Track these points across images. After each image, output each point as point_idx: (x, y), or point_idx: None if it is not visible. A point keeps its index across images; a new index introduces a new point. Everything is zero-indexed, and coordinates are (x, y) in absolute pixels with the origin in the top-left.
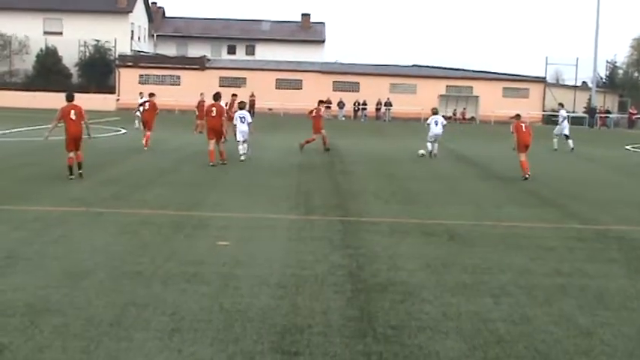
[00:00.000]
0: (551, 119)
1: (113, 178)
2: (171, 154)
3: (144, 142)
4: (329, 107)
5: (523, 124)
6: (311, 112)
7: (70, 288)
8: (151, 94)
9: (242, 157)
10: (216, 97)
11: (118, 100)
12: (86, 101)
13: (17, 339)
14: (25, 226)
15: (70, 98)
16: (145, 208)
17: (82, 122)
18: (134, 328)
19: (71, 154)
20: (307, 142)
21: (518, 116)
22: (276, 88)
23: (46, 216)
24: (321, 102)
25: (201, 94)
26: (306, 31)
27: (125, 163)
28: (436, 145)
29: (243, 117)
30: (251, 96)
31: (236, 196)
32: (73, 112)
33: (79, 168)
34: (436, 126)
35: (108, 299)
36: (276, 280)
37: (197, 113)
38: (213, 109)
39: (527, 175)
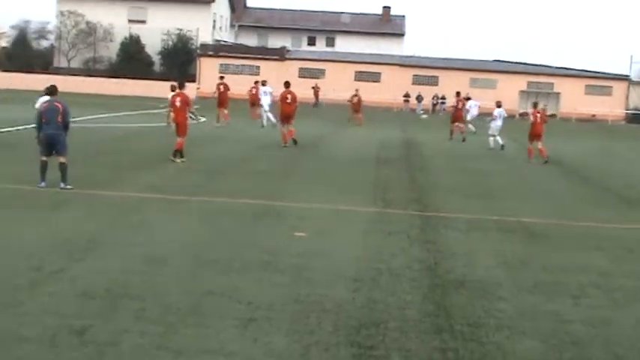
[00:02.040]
0: (635, 118)
1: (193, 166)
2: (250, 142)
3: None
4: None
5: (538, 114)
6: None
7: (149, 274)
8: (222, 77)
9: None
10: (287, 84)
11: (198, 88)
12: (167, 89)
13: (97, 322)
14: (106, 212)
15: (179, 87)
16: (224, 197)
17: (187, 109)
18: (211, 316)
19: (179, 139)
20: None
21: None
22: (355, 80)
23: (127, 202)
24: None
25: (256, 82)
26: (386, 24)
27: (205, 151)
28: (498, 138)
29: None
30: (315, 87)
31: (314, 187)
32: (178, 99)
33: (181, 154)
34: (499, 119)
35: (186, 286)
36: (352, 272)
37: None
38: (289, 95)
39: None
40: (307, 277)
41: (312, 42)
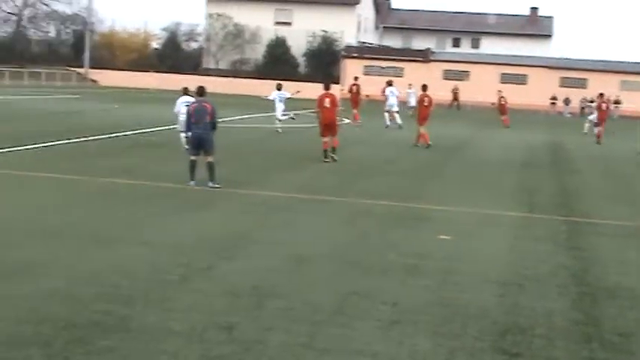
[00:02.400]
0: None
1: (336, 167)
2: (392, 144)
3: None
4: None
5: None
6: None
7: (294, 273)
8: (355, 78)
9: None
10: (425, 87)
11: (342, 90)
12: (311, 90)
13: (244, 319)
14: (253, 211)
15: (326, 88)
16: (367, 198)
17: (336, 109)
18: (355, 317)
19: (326, 139)
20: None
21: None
22: (501, 82)
23: (274, 201)
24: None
25: (356, 77)
26: (533, 25)
27: (348, 152)
28: None
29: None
30: (454, 89)
31: (457, 190)
32: (327, 100)
33: (333, 152)
34: None
35: (330, 286)
36: (497, 277)
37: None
38: (425, 99)
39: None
40: (452, 280)
41: (456, 43)
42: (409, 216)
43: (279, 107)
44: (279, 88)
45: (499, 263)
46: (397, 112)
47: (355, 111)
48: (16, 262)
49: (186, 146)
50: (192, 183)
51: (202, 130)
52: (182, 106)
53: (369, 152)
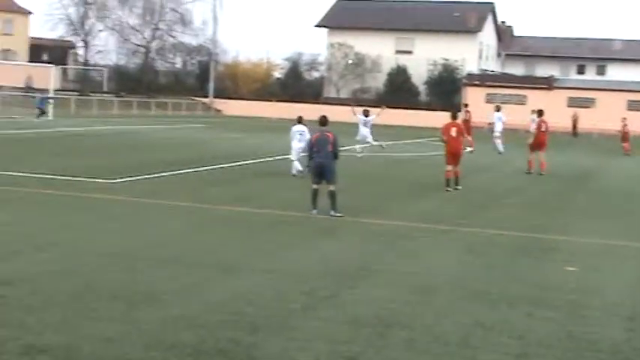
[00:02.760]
0: None
1: (459, 196)
2: (514, 172)
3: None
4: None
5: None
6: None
7: (417, 303)
8: (541, 112)
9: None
10: (541, 113)
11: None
12: (432, 119)
13: (368, 349)
14: (376, 240)
15: (452, 117)
16: (490, 228)
17: (462, 139)
18: (481, 350)
19: (450, 168)
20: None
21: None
22: (628, 109)
23: (396, 230)
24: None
25: (466, 104)
26: None
27: (470, 181)
28: None
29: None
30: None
31: (583, 220)
32: (454, 129)
33: (456, 182)
34: None
35: (454, 318)
36: (627, 311)
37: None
38: (543, 124)
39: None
40: (579, 313)
41: (581, 70)
42: (534, 247)
43: (364, 131)
44: (366, 114)
45: (628, 296)
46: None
47: (469, 137)
48: (143, 288)
49: (294, 173)
50: (314, 211)
51: (324, 158)
52: (296, 134)
53: (490, 180)
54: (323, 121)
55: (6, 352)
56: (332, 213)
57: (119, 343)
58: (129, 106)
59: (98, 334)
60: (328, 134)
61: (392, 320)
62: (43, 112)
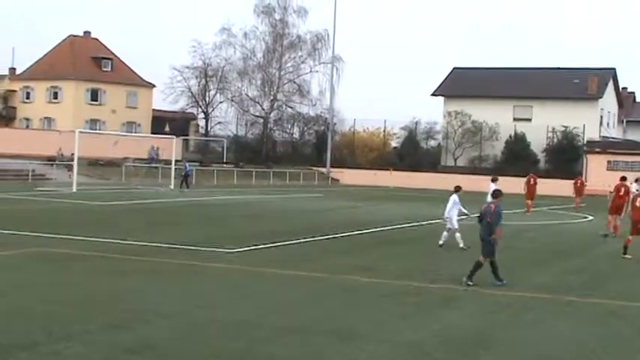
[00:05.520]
0: None
1: (582, 266)
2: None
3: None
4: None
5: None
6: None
7: None
8: (623, 178)
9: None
10: (623, 178)
11: (586, 186)
12: (553, 187)
13: None
14: (499, 310)
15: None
16: (616, 299)
17: None
18: None
19: (630, 237)
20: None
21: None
22: None
23: (517, 301)
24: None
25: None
26: None
27: (592, 250)
28: None
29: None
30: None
31: None
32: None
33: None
34: None
35: None
36: None
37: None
38: (622, 188)
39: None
40: None
41: None
42: None
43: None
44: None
45: None
46: None
47: (529, 201)
48: (265, 356)
49: (462, 245)
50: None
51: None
52: (453, 203)
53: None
54: (495, 194)
55: None
56: (464, 280)
57: None
58: (248, 176)
59: None
60: (491, 206)
61: None
62: (186, 182)
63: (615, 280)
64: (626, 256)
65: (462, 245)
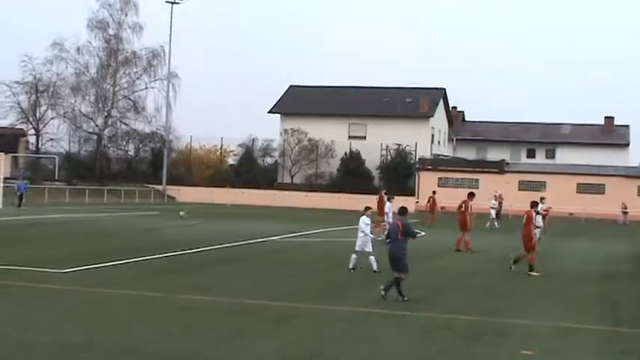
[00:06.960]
0: None
1: (414, 282)
2: (472, 256)
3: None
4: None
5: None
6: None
7: None
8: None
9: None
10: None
11: (417, 202)
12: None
13: None
14: (332, 326)
15: (532, 205)
16: (445, 312)
17: (530, 226)
18: None
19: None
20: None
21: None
22: (577, 192)
23: (350, 317)
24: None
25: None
26: (609, 134)
27: (425, 265)
28: None
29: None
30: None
31: (537, 304)
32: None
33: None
34: None
35: None
36: None
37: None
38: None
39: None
40: None
41: (531, 154)
42: (488, 331)
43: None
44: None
45: None
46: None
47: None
48: None
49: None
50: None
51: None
52: (363, 224)
53: (448, 264)
54: (401, 211)
55: None
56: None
57: None
58: (81, 194)
59: None
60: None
61: None
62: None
63: (444, 293)
64: (533, 273)
65: (375, 268)
